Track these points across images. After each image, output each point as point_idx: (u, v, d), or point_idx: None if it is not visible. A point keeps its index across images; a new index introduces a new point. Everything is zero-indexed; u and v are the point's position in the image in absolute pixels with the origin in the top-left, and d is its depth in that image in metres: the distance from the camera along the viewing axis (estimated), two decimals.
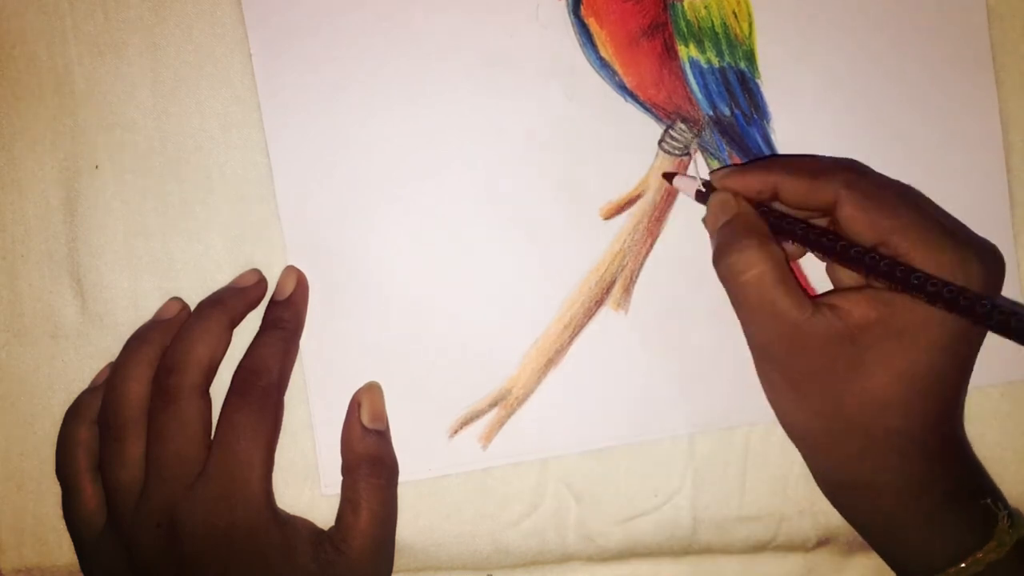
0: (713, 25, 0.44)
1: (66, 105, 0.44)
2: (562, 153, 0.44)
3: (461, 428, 0.44)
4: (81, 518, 0.42)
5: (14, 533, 0.45)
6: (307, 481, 0.44)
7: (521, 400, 0.44)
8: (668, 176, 0.43)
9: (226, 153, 0.45)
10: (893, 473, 0.38)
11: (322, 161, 0.44)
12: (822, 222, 0.40)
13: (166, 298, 0.44)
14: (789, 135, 0.44)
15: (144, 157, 0.45)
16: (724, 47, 0.44)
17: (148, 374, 0.41)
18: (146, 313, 0.44)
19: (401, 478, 0.44)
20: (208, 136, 0.45)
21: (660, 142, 0.44)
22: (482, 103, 0.44)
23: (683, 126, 0.44)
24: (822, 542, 0.45)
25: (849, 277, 0.41)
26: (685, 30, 0.44)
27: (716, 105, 0.44)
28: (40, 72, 0.45)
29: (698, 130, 0.44)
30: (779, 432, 0.44)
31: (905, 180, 0.44)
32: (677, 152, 0.44)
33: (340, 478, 0.43)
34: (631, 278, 0.44)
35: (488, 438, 0.44)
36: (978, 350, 0.39)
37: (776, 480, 0.45)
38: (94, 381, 0.44)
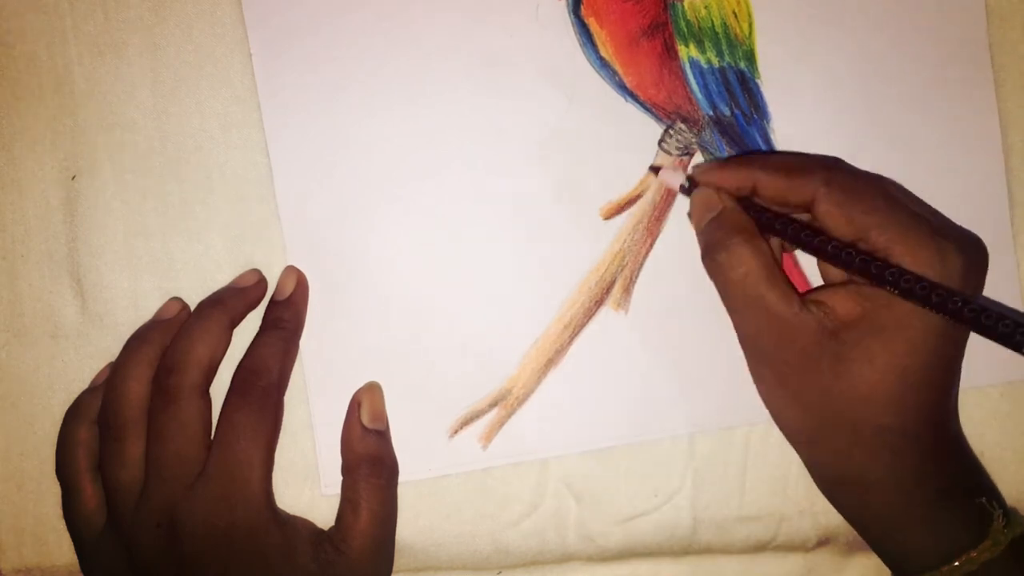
0: (713, 25, 0.44)
1: (66, 105, 0.44)
2: (562, 153, 0.44)
3: (461, 428, 0.44)
4: (81, 518, 0.42)
5: (14, 533, 0.45)
6: (307, 481, 0.44)
7: (521, 400, 0.44)
8: (655, 169, 0.43)
9: (226, 153, 0.45)
10: (885, 469, 0.38)
11: (322, 161, 0.44)
12: (805, 217, 0.40)
13: (166, 298, 0.44)
14: (789, 135, 0.44)
15: (144, 157, 0.45)
16: (724, 47, 0.44)
17: (148, 374, 0.41)
18: (146, 313, 0.44)
19: (401, 478, 0.44)
20: (208, 136, 0.45)
21: (660, 142, 0.44)
22: (482, 103, 0.44)
23: (683, 126, 0.44)
24: (822, 542, 0.45)
25: (837, 273, 0.41)
26: (685, 30, 0.44)
27: (716, 105, 0.44)
28: (40, 72, 0.45)
29: (698, 130, 0.44)
30: (779, 432, 0.44)
31: (905, 180, 0.44)
32: (677, 152, 0.44)
33: (340, 478, 0.43)
34: (631, 278, 0.44)
35: (488, 438, 0.44)
36: (964, 346, 0.39)
37: (776, 480, 0.45)
38: (94, 381, 0.44)
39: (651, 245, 0.44)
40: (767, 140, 0.44)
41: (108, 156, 0.45)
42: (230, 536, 0.40)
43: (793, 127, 0.44)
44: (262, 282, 0.44)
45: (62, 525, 0.43)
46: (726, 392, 0.44)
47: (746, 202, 0.40)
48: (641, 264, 0.44)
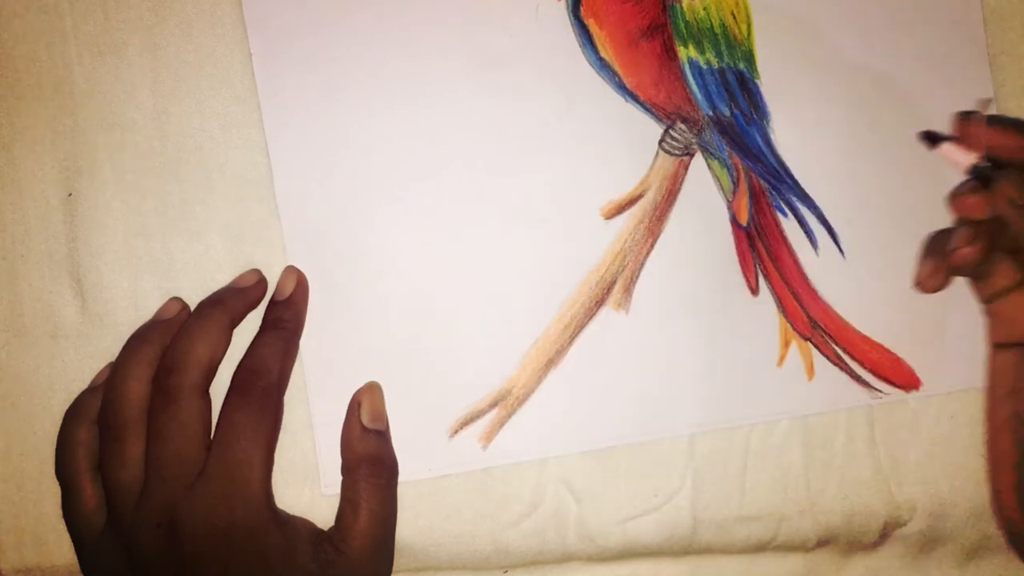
0: (712, 26, 0.44)
1: (66, 105, 0.44)
2: (562, 153, 0.44)
3: (461, 428, 0.44)
4: (81, 518, 0.42)
5: (14, 533, 0.45)
6: (307, 481, 0.44)
7: (521, 400, 0.44)
8: (932, 138, 0.41)
9: (226, 153, 0.45)
10: None
11: (322, 161, 0.44)
12: None
13: (166, 298, 0.44)
14: (788, 135, 0.44)
15: (144, 157, 0.45)
16: (723, 48, 0.44)
17: (148, 374, 0.41)
18: (146, 313, 0.44)
19: (401, 478, 0.44)
20: (208, 136, 0.45)
21: (660, 142, 0.44)
22: (482, 103, 0.44)
23: (683, 126, 0.44)
24: (822, 542, 0.45)
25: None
26: (684, 31, 0.44)
27: (716, 105, 0.44)
28: (40, 72, 0.45)
29: (698, 130, 0.44)
30: (779, 432, 0.44)
31: (904, 180, 0.44)
32: (677, 152, 0.44)
33: (340, 478, 0.42)
34: (632, 278, 0.44)
35: (488, 438, 0.44)
36: None
37: (776, 480, 0.45)
38: (94, 381, 0.44)
39: (652, 245, 0.44)
40: (767, 140, 0.44)
41: (108, 156, 0.45)
42: (230, 536, 0.39)
43: (792, 127, 0.44)
44: (262, 282, 0.44)
45: (62, 525, 0.43)
46: (726, 392, 0.44)
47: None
48: (642, 264, 0.44)
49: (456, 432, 0.44)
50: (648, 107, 0.44)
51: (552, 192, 0.44)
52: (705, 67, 0.44)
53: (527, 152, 0.44)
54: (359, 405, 0.43)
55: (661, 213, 0.44)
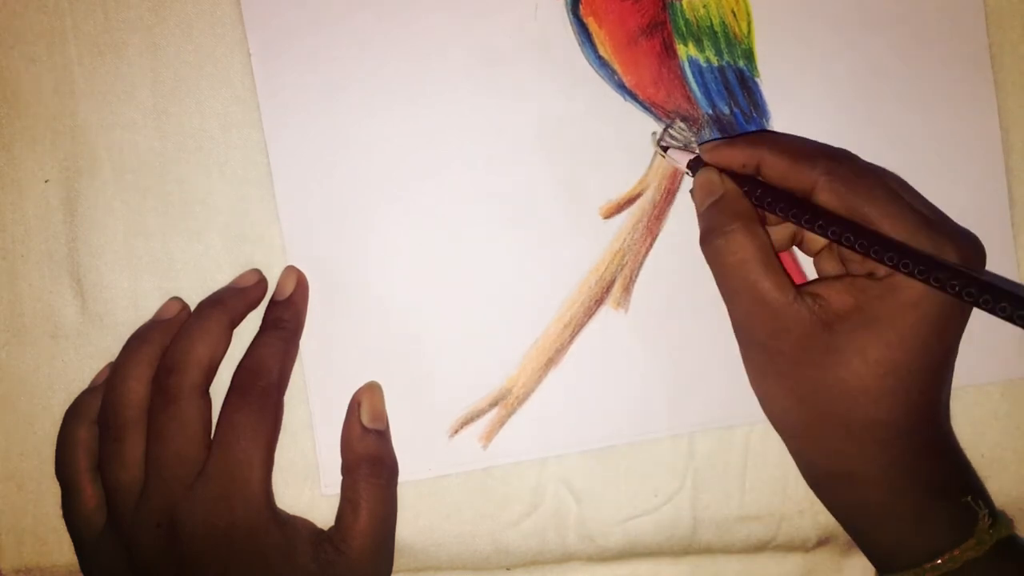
0: (712, 24, 0.44)
1: (66, 105, 0.45)
2: (562, 153, 0.44)
3: (461, 428, 0.44)
4: (81, 518, 0.42)
5: (14, 533, 0.45)
6: (307, 481, 0.44)
7: (521, 400, 0.44)
8: (663, 148, 0.43)
9: (226, 153, 0.45)
10: (873, 464, 0.38)
11: (322, 161, 0.44)
12: None
13: (166, 298, 0.44)
14: (788, 133, 0.44)
15: (144, 157, 0.45)
16: (723, 46, 0.44)
17: (148, 374, 0.41)
18: (146, 313, 0.44)
19: (401, 478, 0.44)
20: (208, 136, 0.45)
21: (660, 141, 0.44)
22: (482, 103, 0.44)
23: (683, 124, 0.44)
24: (822, 542, 0.45)
25: (832, 267, 0.41)
26: (684, 29, 0.44)
27: (715, 104, 0.44)
28: (40, 72, 0.45)
29: (697, 128, 0.44)
30: None
31: (905, 179, 0.44)
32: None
33: (340, 478, 0.43)
34: (631, 277, 0.44)
35: (488, 438, 0.44)
36: (958, 342, 0.39)
37: (776, 480, 0.45)
38: (94, 381, 0.44)
39: (651, 244, 0.44)
40: None
41: (108, 156, 0.45)
42: (230, 536, 0.39)
43: (792, 125, 0.44)
44: (262, 282, 0.44)
45: (62, 525, 0.43)
46: (726, 392, 0.44)
47: (750, 181, 0.40)
48: (641, 263, 0.44)
49: (456, 432, 0.44)
50: (647, 106, 0.44)
51: (551, 192, 0.44)
52: (705, 65, 0.44)
53: (527, 152, 0.44)
54: (359, 405, 0.43)
55: (660, 212, 0.44)
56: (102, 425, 0.42)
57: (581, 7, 0.44)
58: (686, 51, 0.44)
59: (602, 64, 0.44)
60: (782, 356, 0.39)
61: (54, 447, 0.43)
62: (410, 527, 0.45)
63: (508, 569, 0.46)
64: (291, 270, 0.44)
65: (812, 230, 0.38)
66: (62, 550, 0.45)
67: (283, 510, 0.43)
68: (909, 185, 0.42)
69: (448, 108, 0.44)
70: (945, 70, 0.45)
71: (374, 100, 0.44)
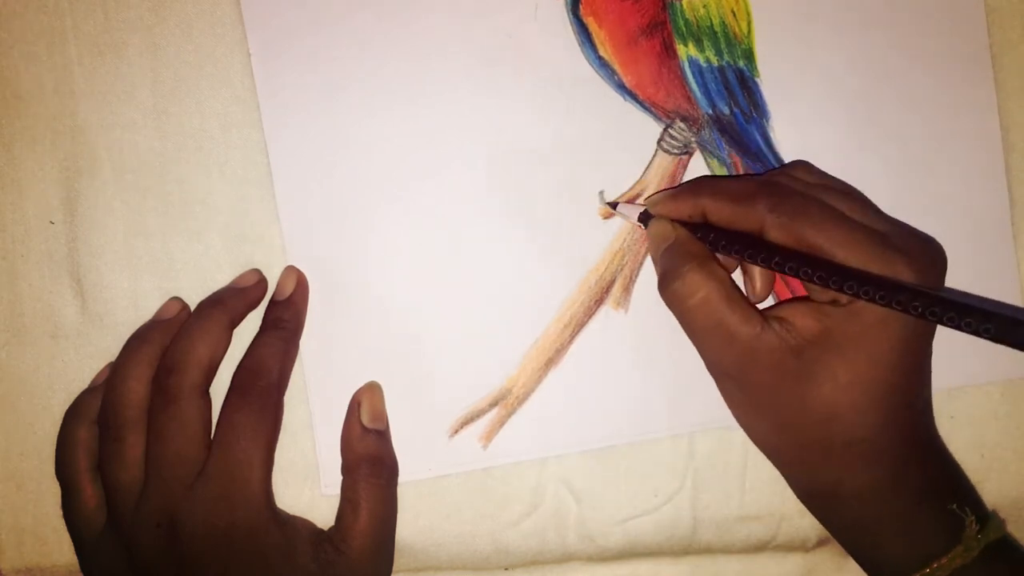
0: (712, 24, 0.44)
1: (66, 105, 0.44)
2: (561, 153, 0.44)
3: (461, 428, 0.44)
4: (81, 518, 0.42)
5: (14, 533, 0.45)
6: (307, 481, 0.44)
7: (521, 400, 0.44)
8: (612, 204, 0.44)
9: (226, 153, 0.45)
10: (858, 480, 0.38)
11: (322, 161, 0.44)
12: None
13: (166, 298, 0.44)
14: (788, 133, 0.44)
15: (144, 157, 0.45)
16: (723, 46, 0.44)
17: (148, 374, 0.41)
18: (146, 313, 0.44)
19: (401, 478, 0.44)
20: (208, 136, 0.45)
21: (659, 141, 0.44)
22: (481, 103, 0.44)
23: (682, 125, 0.44)
24: (822, 542, 0.45)
25: (796, 289, 0.42)
26: (684, 29, 0.44)
27: (715, 104, 0.44)
28: (40, 72, 0.45)
29: (697, 129, 0.44)
30: None
31: (904, 179, 0.44)
32: (676, 151, 0.44)
33: (340, 478, 0.43)
34: (631, 277, 0.44)
35: (488, 438, 0.44)
36: (929, 352, 0.39)
37: (776, 480, 0.44)
38: (94, 381, 0.44)
39: None
40: (766, 138, 0.44)
41: (108, 156, 0.45)
42: (230, 536, 0.39)
43: (792, 125, 0.44)
44: (262, 282, 0.44)
45: (62, 525, 0.43)
46: None
47: (701, 227, 0.40)
48: (641, 263, 0.44)
49: (456, 432, 0.44)
50: (647, 106, 0.44)
51: (551, 192, 0.44)
52: (705, 65, 0.44)
53: (526, 152, 0.44)
54: (359, 405, 0.43)
55: None
56: (102, 425, 0.42)
57: (581, 7, 0.44)
58: (686, 51, 0.44)
59: (602, 64, 0.44)
60: (756, 387, 0.39)
61: (54, 447, 0.43)
62: (410, 527, 0.45)
63: (507, 569, 0.46)
64: (291, 270, 0.44)
65: (768, 267, 0.38)
66: (62, 550, 0.45)
67: (283, 510, 0.43)
68: (860, 195, 0.41)
69: (448, 108, 0.44)
70: (945, 70, 0.45)
71: (374, 100, 0.44)
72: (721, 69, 0.44)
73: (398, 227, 0.44)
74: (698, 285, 0.38)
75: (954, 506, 0.38)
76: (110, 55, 0.45)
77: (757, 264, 0.38)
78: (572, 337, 0.44)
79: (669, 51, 0.44)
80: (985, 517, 0.39)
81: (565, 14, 0.44)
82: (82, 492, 0.42)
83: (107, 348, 0.44)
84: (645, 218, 0.42)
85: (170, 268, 0.45)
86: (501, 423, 0.44)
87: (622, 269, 0.44)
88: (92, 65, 0.45)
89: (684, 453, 0.45)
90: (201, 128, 0.45)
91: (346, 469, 0.43)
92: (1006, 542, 0.39)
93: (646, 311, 0.44)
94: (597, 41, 0.44)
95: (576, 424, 0.44)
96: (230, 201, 0.45)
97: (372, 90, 0.44)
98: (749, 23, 0.44)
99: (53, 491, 0.44)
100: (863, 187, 0.43)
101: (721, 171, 0.45)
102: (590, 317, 0.44)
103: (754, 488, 0.45)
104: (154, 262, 0.45)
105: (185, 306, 0.44)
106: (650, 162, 0.44)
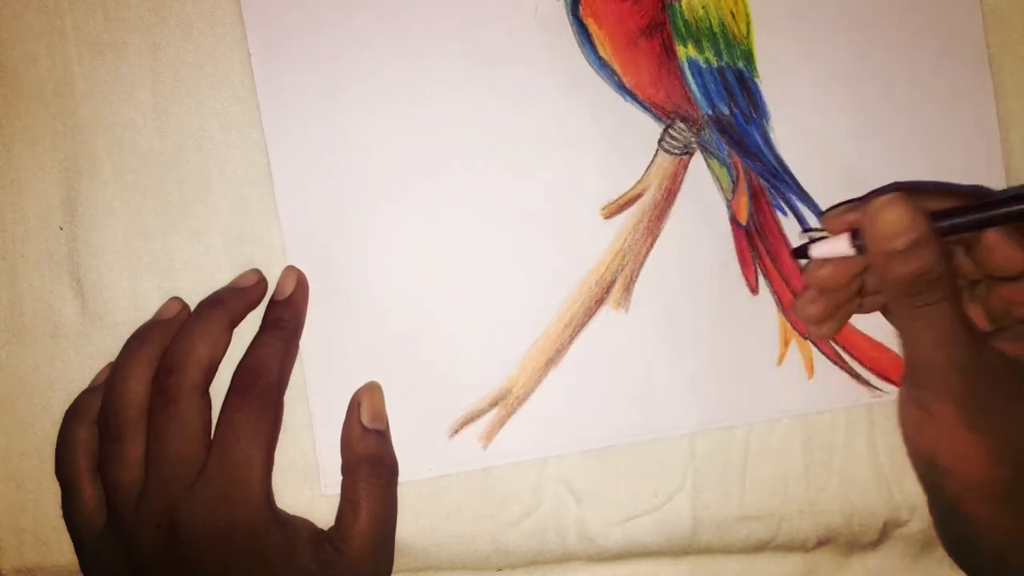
0: (711, 25, 0.44)
1: (66, 105, 0.44)
2: (562, 153, 0.44)
3: (461, 428, 0.44)
4: (81, 518, 0.42)
5: (14, 533, 0.45)
6: (307, 481, 0.44)
7: (521, 400, 0.44)
8: (800, 253, 0.39)
9: (226, 153, 0.45)
10: None
11: (322, 161, 0.44)
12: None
13: (166, 298, 0.44)
14: (788, 134, 0.44)
15: (144, 157, 0.45)
16: (722, 46, 0.44)
17: (148, 374, 0.41)
18: (146, 313, 0.44)
19: (401, 478, 0.44)
20: (208, 136, 0.45)
21: (660, 141, 0.44)
22: (481, 103, 0.44)
23: (682, 125, 0.44)
24: (822, 542, 0.45)
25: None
26: (683, 30, 0.44)
27: (715, 104, 0.44)
28: (40, 72, 0.45)
29: (697, 129, 0.44)
30: (779, 432, 0.44)
31: (904, 180, 0.44)
32: (677, 151, 0.44)
33: (340, 478, 0.42)
34: (631, 277, 0.44)
35: (488, 438, 0.44)
36: None
37: (776, 480, 0.45)
38: (94, 381, 0.44)
39: (651, 244, 0.44)
40: (766, 139, 0.44)
41: (108, 156, 0.45)
42: (230, 536, 0.39)
43: (792, 126, 0.44)
44: (262, 282, 0.44)
45: (62, 525, 0.43)
46: (726, 392, 0.44)
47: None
48: (642, 263, 0.44)
49: (456, 432, 0.44)
50: (647, 106, 0.44)
51: (552, 192, 0.44)
52: (704, 66, 0.44)
53: (527, 152, 0.44)
54: (359, 405, 0.43)
55: (660, 212, 0.44)
56: (102, 425, 0.42)
57: (581, 7, 0.44)
58: (685, 52, 0.44)
59: (602, 65, 0.44)
60: (978, 405, 0.35)
61: (54, 447, 0.43)
62: (410, 527, 0.45)
63: (499, 570, 0.46)
64: (291, 270, 0.44)
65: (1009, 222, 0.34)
66: (62, 550, 0.45)
67: (283, 510, 0.43)
68: None
69: (448, 108, 0.44)
70: (944, 71, 0.45)
71: (374, 100, 0.44)
72: (720, 70, 0.44)
73: (398, 227, 0.44)
74: (944, 317, 0.34)
75: None
76: (110, 55, 0.45)
77: (983, 226, 0.35)
78: (572, 337, 0.44)
79: (669, 52, 0.44)
80: None
81: (565, 14, 0.44)
82: (82, 492, 0.42)
83: (107, 348, 0.44)
84: (858, 246, 0.37)
85: (170, 268, 0.45)
86: (501, 423, 0.44)
87: (622, 269, 0.44)
88: (92, 65, 0.45)
89: (684, 453, 0.45)
90: (201, 128, 0.45)
91: (346, 469, 0.43)
92: None
93: (646, 311, 0.44)
94: (597, 41, 0.44)
95: (576, 424, 0.44)
96: (230, 201, 0.45)
97: (372, 90, 0.44)
98: (748, 24, 0.44)
99: (53, 491, 0.44)
100: (863, 187, 0.44)
101: (721, 171, 0.45)
102: (590, 317, 0.44)
103: (754, 488, 0.45)
104: (154, 262, 0.45)
105: (185, 306, 0.44)
106: (651, 162, 0.44)
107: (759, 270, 0.44)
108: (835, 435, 0.45)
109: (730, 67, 0.44)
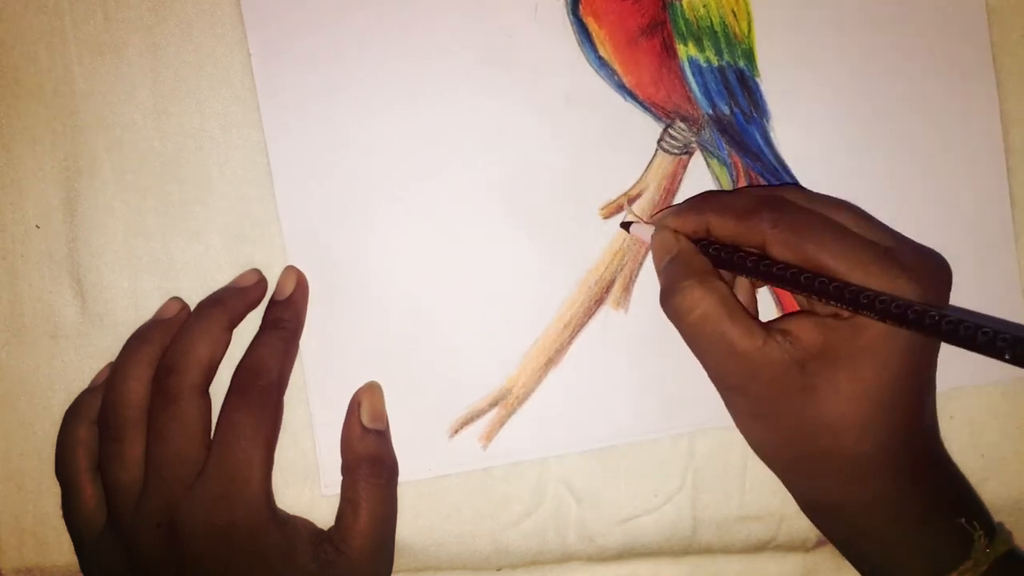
0: (712, 24, 0.44)
1: (66, 105, 0.44)
2: (562, 153, 0.44)
3: (461, 428, 0.44)
4: (81, 518, 0.42)
5: (14, 533, 0.45)
6: (307, 481, 0.44)
7: (521, 400, 0.44)
8: (625, 225, 0.43)
9: (226, 153, 0.45)
10: (862, 494, 0.38)
11: (322, 161, 0.44)
12: None
13: (166, 298, 0.44)
14: (788, 133, 0.44)
15: (144, 157, 0.45)
16: (723, 46, 0.44)
17: (148, 374, 0.41)
18: (146, 313, 0.44)
19: (401, 478, 0.44)
20: (208, 136, 0.45)
21: (660, 141, 0.44)
22: (481, 103, 0.44)
23: (682, 125, 0.44)
24: (822, 542, 0.45)
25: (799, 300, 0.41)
26: (684, 29, 0.44)
27: (715, 104, 0.44)
28: (40, 72, 0.45)
29: (697, 129, 0.44)
30: None
31: (905, 180, 0.44)
32: (676, 151, 0.44)
33: (340, 478, 0.43)
34: (631, 277, 0.44)
35: (488, 438, 0.44)
36: (933, 365, 0.39)
37: (776, 480, 0.44)
38: (94, 381, 0.44)
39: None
40: (766, 138, 0.44)
41: (108, 156, 0.45)
42: (230, 536, 0.40)
43: (793, 126, 0.44)
44: (262, 282, 0.44)
45: (62, 525, 0.43)
46: None
47: (704, 241, 0.40)
48: (641, 263, 0.44)
49: (456, 432, 0.44)
50: (647, 106, 0.44)
51: (551, 192, 0.44)
52: (705, 65, 0.44)
53: (526, 152, 0.44)
54: (359, 405, 0.43)
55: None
56: (102, 425, 0.42)
57: (581, 7, 0.44)
58: (686, 51, 0.44)
59: (602, 64, 0.44)
60: (759, 399, 0.39)
61: (54, 447, 0.43)
62: (410, 527, 0.45)
63: (499, 570, 0.46)
64: (291, 270, 0.44)
65: (769, 283, 0.38)
66: (62, 550, 0.45)
67: (283, 510, 0.43)
68: (862, 212, 0.40)
69: (448, 108, 0.44)
70: (946, 70, 0.45)
71: (374, 100, 0.44)
72: (721, 69, 0.44)
73: (398, 227, 0.44)
74: (698, 300, 0.38)
75: (963, 520, 0.38)
76: (110, 55, 0.45)
77: (759, 279, 0.38)
78: (572, 337, 0.44)
79: (669, 51, 0.44)
80: (992, 529, 0.39)
81: (565, 14, 0.44)
82: (82, 492, 0.42)
83: (107, 348, 0.44)
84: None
85: (170, 268, 0.45)
86: (501, 423, 0.44)
87: (622, 269, 0.44)
88: (92, 65, 0.45)
89: (684, 453, 0.45)
90: (201, 128, 0.45)
91: (346, 469, 0.43)
92: (1013, 554, 0.39)
93: (646, 311, 0.44)
94: (597, 41, 0.44)
95: (576, 424, 0.44)
96: (230, 201, 0.45)
97: (372, 90, 0.44)
98: (749, 23, 0.44)
99: (53, 491, 0.44)
100: (863, 187, 0.44)
101: (721, 171, 0.45)
102: (590, 317, 0.44)
103: (754, 488, 0.45)
104: (154, 262, 0.45)
105: (185, 306, 0.44)
106: (650, 162, 0.44)
107: None
108: None
109: (731, 66, 0.44)
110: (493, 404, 0.44)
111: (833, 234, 0.37)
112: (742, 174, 0.45)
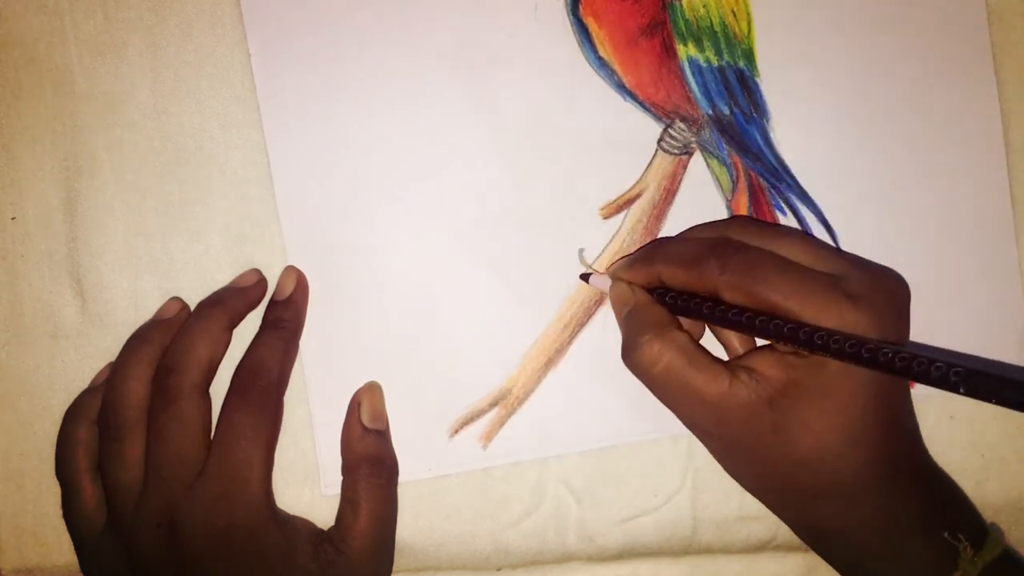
0: (712, 24, 0.44)
1: (66, 105, 0.44)
2: (562, 153, 0.44)
3: (461, 428, 0.44)
4: (81, 518, 0.42)
5: (14, 533, 0.45)
6: (307, 481, 0.44)
7: (521, 400, 0.44)
8: (584, 276, 0.44)
9: (226, 153, 0.45)
10: (848, 519, 0.39)
11: (322, 161, 0.44)
12: None
13: (166, 298, 0.44)
14: (788, 133, 0.44)
15: (144, 157, 0.45)
16: (723, 46, 0.44)
17: (148, 374, 0.41)
18: (146, 313, 0.44)
19: (401, 478, 0.44)
20: (208, 136, 0.45)
21: (659, 141, 0.44)
22: (481, 103, 0.44)
23: (682, 125, 0.44)
24: None
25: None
26: (684, 29, 0.44)
27: (715, 104, 0.44)
28: (40, 72, 0.45)
29: (697, 129, 0.44)
30: None
31: (905, 180, 0.44)
32: (676, 151, 0.44)
33: (340, 478, 0.43)
34: None
35: (488, 438, 0.44)
36: (903, 385, 0.39)
37: None
38: (94, 381, 0.44)
39: None
40: (766, 139, 0.44)
41: (108, 156, 0.45)
42: (230, 536, 0.40)
43: (793, 126, 0.44)
44: (262, 282, 0.44)
45: (62, 525, 0.43)
46: None
47: (662, 291, 0.40)
48: None
49: (456, 432, 0.44)
50: (647, 106, 0.44)
51: (551, 192, 0.44)
52: (705, 65, 0.44)
53: (526, 152, 0.44)
54: (359, 405, 0.43)
55: (660, 212, 0.44)
56: (102, 425, 0.42)
57: (581, 7, 0.44)
58: (686, 51, 0.44)
59: (602, 64, 0.44)
60: (734, 442, 0.39)
61: (54, 447, 0.43)
62: (410, 527, 0.45)
63: (499, 570, 0.46)
64: (291, 270, 0.44)
65: (726, 327, 0.38)
66: (62, 550, 0.45)
67: (283, 510, 0.43)
68: (811, 240, 0.40)
69: (448, 108, 0.44)
70: (947, 70, 0.45)
71: (374, 100, 0.44)
72: (721, 69, 0.44)
73: (398, 227, 0.44)
74: (658, 354, 0.38)
75: (946, 534, 0.38)
76: (110, 55, 0.45)
77: (716, 325, 0.39)
78: (572, 337, 0.44)
79: (669, 51, 0.44)
80: (983, 534, 0.39)
81: (565, 14, 0.44)
82: (82, 492, 0.42)
83: (107, 348, 0.44)
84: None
85: (170, 268, 0.45)
86: (501, 423, 0.44)
87: None
88: (92, 65, 0.45)
89: (684, 453, 0.45)
90: (201, 128, 0.45)
91: (346, 469, 0.43)
92: (1006, 556, 0.39)
93: None
94: (597, 41, 0.44)
95: (576, 424, 0.44)
96: (230, 201, 0.45)
97: (372, 90, 0.44)
98: (749, 23, 0.44)
99: (53, 491, 0.44)
100: (863, 187, 0.44)
101: (721, 171, 0.45)
102: (590, 317, 0.44)
103: None
104: (154, 262, 0.45)
105: (185, 306, 0.44)
106: (650, 162, 0.44)
107: None
108: None
109: (731, 66, 0.44)
110: (493, 404, 0.44)
111: (780, 272, 0.37)
112: (742, 174, 0.45)
